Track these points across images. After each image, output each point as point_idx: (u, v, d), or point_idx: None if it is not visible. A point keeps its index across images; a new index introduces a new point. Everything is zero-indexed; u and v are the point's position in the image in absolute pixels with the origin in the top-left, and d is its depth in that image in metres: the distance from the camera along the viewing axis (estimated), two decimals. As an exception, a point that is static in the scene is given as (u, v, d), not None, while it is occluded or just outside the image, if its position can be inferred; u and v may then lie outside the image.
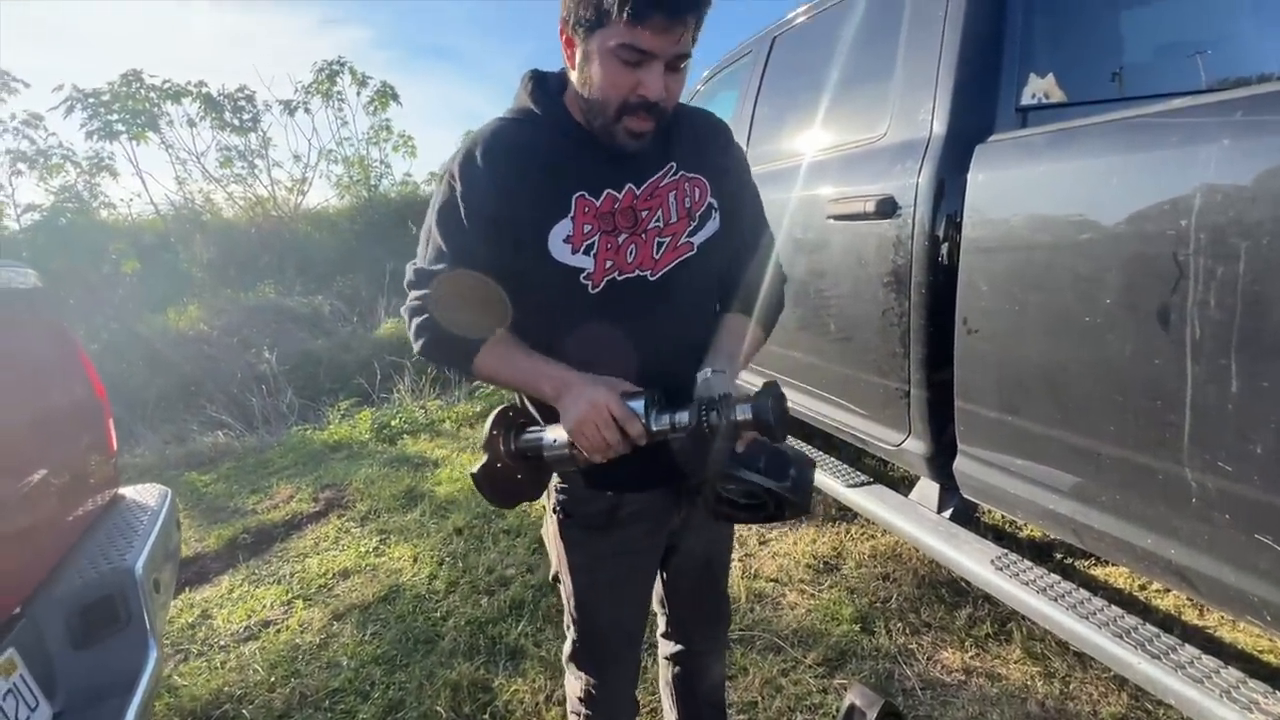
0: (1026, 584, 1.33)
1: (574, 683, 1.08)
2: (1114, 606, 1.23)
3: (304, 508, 3.04)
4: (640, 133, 0.81)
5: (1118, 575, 1.90)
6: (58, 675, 1.07)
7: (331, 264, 8.61)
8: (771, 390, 0.78)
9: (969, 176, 1.31)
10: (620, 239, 0.84)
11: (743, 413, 0.76)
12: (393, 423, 4.16)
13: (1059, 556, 2.02)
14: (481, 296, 0.84)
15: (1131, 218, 1.03)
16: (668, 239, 0.87)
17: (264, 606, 2.23)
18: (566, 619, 1.05)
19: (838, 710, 1.37)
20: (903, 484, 2.01)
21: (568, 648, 1.07)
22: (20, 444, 1.18)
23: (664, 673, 1.23)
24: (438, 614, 2.08)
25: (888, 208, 1.51)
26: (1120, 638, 1.14)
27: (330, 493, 3.18)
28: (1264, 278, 0.86)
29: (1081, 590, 1.29)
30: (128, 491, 1.56)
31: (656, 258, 0.86)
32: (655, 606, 1.17)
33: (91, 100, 8.21)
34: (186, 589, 2.39)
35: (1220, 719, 0.98)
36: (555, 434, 0.84)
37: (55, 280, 6.95)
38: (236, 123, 9.27)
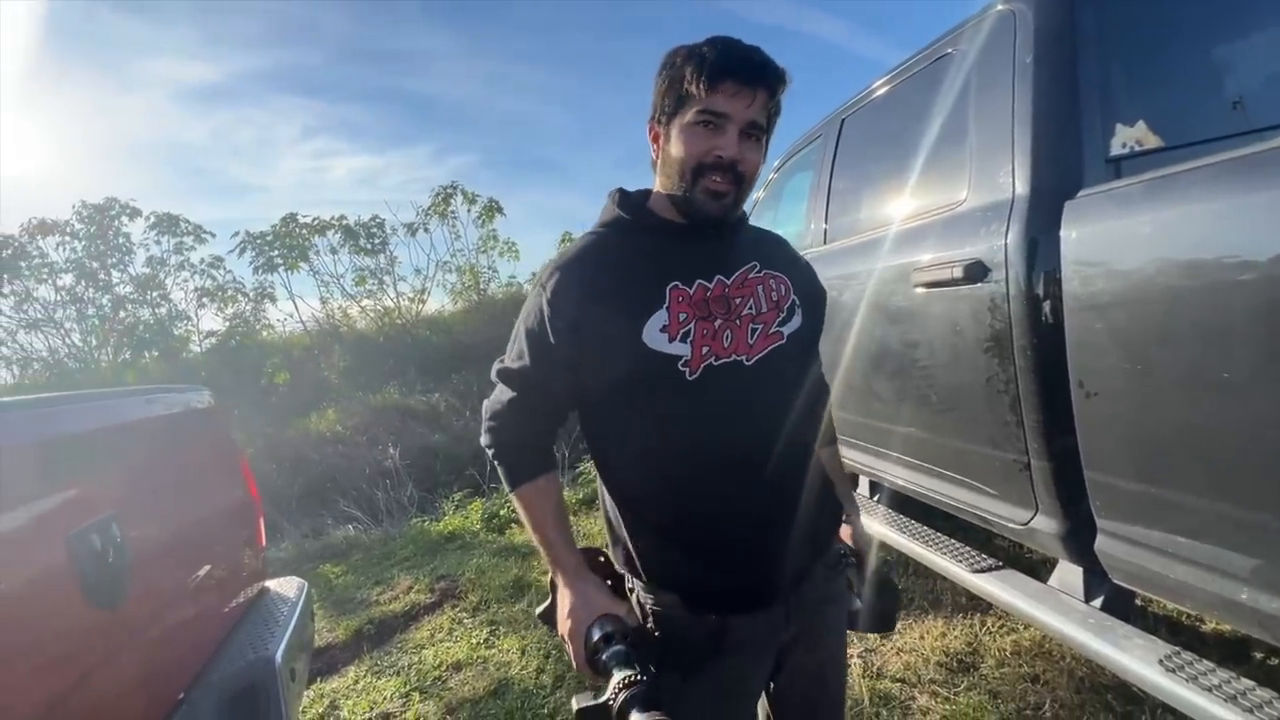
0: (1209, 689, 1.12)
1: None
2: (1334, 721, 1.00)
3: (421, 598, 3.17)
4: (719, 192, 0.84)
5: (1345, 680, 1.55)
6: (210, 761, 1.16)
7: (447, 363, 9.38)
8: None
9: (1062, 234, 1.26)
10: (716, 324, 0.86)
11: (641, 717, 0.72)
12: (501, 513, 4.32)
13: (1259, 656, 1.68)
14: (533, 439, 0.93)
15: (1259, 262, 0.93)
16: (760, 326, 0.89)
17: (385, 698, 2.31)
18: None
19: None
20: (1044, 567, 1.79)
21: None
22: (195, 542, 1.36)
23: None
24: (545, 710, 2.06)
25: (977, 271, 1.46)
26: (1348, 762, 0.93)
27: (445, 584, 3.31)
28: None
29: (1285, 699, 1.07)
30: (271, 584, 1.73)
31: (751, 343, 0.87)
32: None
33: (258, 241, 9.80)
34: (318, 679, 2.54)
35: None
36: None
37: (225, 394, 8.10)
38: (369, 247, 10.65)
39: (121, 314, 9.70)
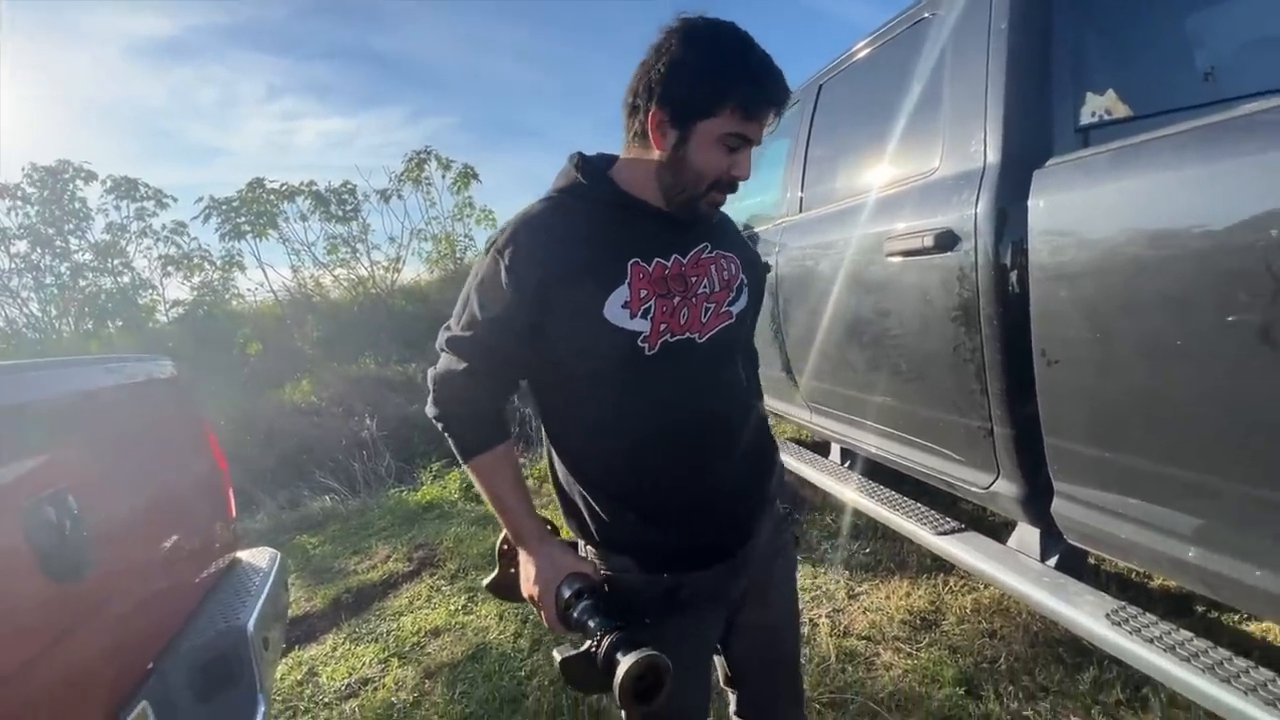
0: (1151, 641, 1.19)
1: None
2: (1263, 669, 1.07)
3: (399, 567, 3.19)
4: (718, 204, 0.91)
5: (1278, 633, 1.64)
6: (183, 728, 1.17)
7: (423, 333, 9.24)
8: (657, 660, 0.75)
9: (1030, 203, 1.27)
10: (674, 301, 0.87)
11: (625, 660, 0.75)
12: (479, 481, 4.33)
13: (1200, 610, 1.77)
14: (486, 409, 0.92)
15: (1215, 231, 0.95)
16: (713, 305, 0.91)
17: (363, 664, 2.34)
18: None
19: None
20: (1005, 530, 1.86)
21: None
22: (159, 513, 1.34)
23: None
24: (522, 673, 2.10)
25: (947, 241, 1.47)
26: (1273, 705, 0.99)
27: (423, 552, 3.33)
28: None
29: (1221, 649, 1.13)
30: (243, 555, 1.72)
31: (704, 321, 0.90)
32: (724, 685, 1.12)
33: (224, 207, 9.47)
34: (296, 647, 2.55)
35: None
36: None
37: (194, 365, 7.91)
38: (340, 214, 10.35)
39: (81, 282, 9.34)
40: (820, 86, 2.30)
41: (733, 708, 1.13)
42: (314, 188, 10.15)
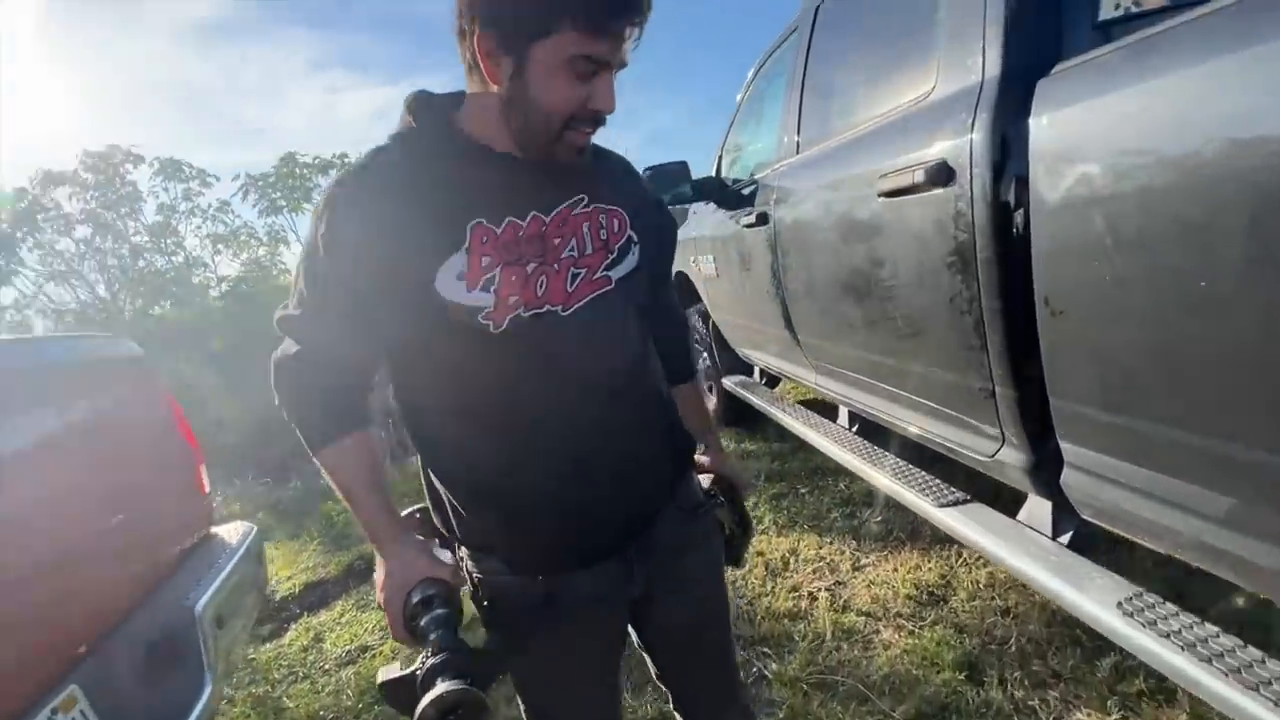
0: (1167, 635, 1.01)
1: None
2: (1302, 675, 0.89)
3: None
4: (582, 147, 0.74)
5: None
6: (125, 709, 1.17)
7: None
8: (467, 696, 0.67)
9: (1032, 121, 1.05)
10: (528, 269, 0.72)
11: (445, 686, 0.67)
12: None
13: (1240, 603, 1.55)
14: (327, 396, 0.79)
15: (1255, 141, 0.74)
16: (583, 271, 0.76)
17: (366, 631, 2.37)
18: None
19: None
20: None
21: None
22: (107, 493, 1.32)
23: None
24: (514, 643, 2.08)
25: (941, 175, 1.26)
26: (1307, 720, 0.82)
27: (438, 519, 3.36)
28: None
29: (1252, 650, 0.95)
30: (220, 530, 1.72)
31: (570, 290, 0.75)
32: (656, 680, 1.02)
33: (260, 183, 9.71)
34: (307, 614, 2.62)
35: None
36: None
37: (243, 340, 8.23)
38: (375, 185, 10.46)
39: (140, 263, 9.83)
40: (818, 7, 2.04)
41: (671, 703, 1.04)
42: (346, 160, 10.27)
